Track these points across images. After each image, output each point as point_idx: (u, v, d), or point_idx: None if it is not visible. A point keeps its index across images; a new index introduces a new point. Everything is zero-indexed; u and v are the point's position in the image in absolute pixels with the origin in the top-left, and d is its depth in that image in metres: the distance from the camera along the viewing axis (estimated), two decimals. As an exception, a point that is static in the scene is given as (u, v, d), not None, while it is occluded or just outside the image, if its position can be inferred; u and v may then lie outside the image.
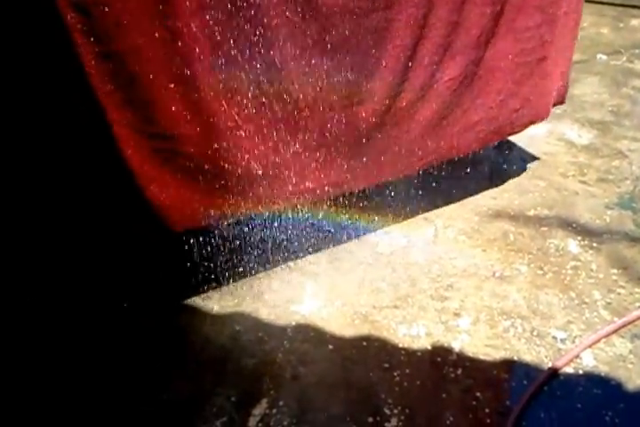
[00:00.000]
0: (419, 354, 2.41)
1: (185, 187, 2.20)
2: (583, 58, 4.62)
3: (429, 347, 2.43)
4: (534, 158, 3.52)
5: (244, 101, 2.10)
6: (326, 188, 2.53)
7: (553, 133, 3.71)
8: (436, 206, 3.18)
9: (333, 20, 2.11)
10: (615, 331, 2.49)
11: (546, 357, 2.37)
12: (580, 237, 2.94)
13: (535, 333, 2.47)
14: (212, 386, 2.28)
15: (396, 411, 2.20)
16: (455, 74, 2.51)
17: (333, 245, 2.91)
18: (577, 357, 2.38)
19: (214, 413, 2.19)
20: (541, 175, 3.39)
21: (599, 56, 4.68)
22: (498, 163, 3.51)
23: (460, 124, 2.69)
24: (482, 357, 2.38)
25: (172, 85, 1.93)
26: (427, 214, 3.14)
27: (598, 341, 2.46)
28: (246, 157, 2.21)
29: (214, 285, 2.64)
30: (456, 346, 2.43)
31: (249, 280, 2.72)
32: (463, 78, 2.55)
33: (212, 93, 2.01)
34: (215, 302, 2.62)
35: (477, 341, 2.45)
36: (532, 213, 3.12)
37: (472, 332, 2.49)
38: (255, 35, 2.00)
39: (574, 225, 3.01)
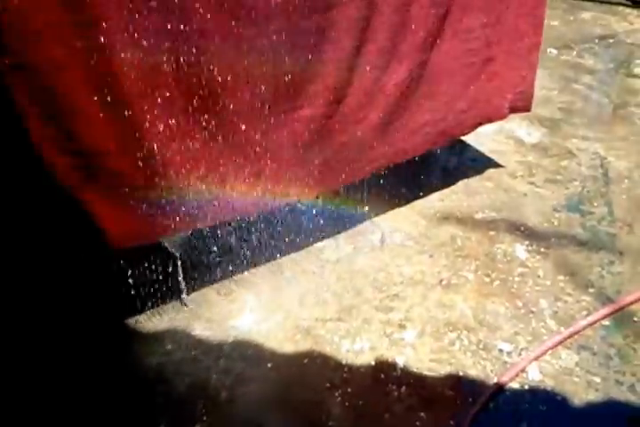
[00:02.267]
0: (362, 371, 2.32)
1: (114, 205, 2.05)
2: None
3: (373, 362, 2.35)
4: (483, 157, 3.45)
5: (175, 115, 1.96)
6: (272, 199, 2.41)
7: (502, 131, 3.64)
8: (384, 210, 3.08)
9: (269, 23, 1.97)
10: (561, 342, 2.44)
11: (492, 371, 2.31)
12: (527, 242, 2.88)
13: (481, 345, 2.40)
14: (139, 412, 2.14)
15: (337, 433, 2.10)
16: (402, 77, 2.41)
17: (276, 254, 2.79)
18: (522, 371, 2.32)
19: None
20: (490, 176, 3.32)
21: (549, 50, 4.62)
22: (446, 162, 3.43)
23: (408, 127, 2.60)
24: (426, 372, 2.31)
25: (95, 98, 1.77)
26: (374, 218, 3.03)
27: (544, 353, 2.41)
28: (179, 173, 2.08)
29: (146, 301, 2.49)
30: (400, 361, 2.34)
31: (184, 294, 2.56)
32: (410, 81, 2.45)
33: (138, 108, 1.85)
34: (147, 319, 2.48)
35: (422, 355, 2.37)
36: (479, 215, 3.04)
37: (417, 345, 2.41)
38: (186, 41, 1.85)
39: (522, 229, 2.95)
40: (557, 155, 3.47)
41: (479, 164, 3.40)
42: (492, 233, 2.93)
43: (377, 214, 3.05)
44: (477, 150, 3.48)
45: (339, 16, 2.05)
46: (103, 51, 1.68)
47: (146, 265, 2.47)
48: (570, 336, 2.46)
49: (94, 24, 1.62)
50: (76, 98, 1.73)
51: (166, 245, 2.42)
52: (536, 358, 2.38)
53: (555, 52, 4.63)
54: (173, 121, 1.96)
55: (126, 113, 1.82)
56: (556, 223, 2.99)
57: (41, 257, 2.26)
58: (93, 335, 2.40)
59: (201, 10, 1.80)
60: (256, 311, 2.55)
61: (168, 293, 2.54)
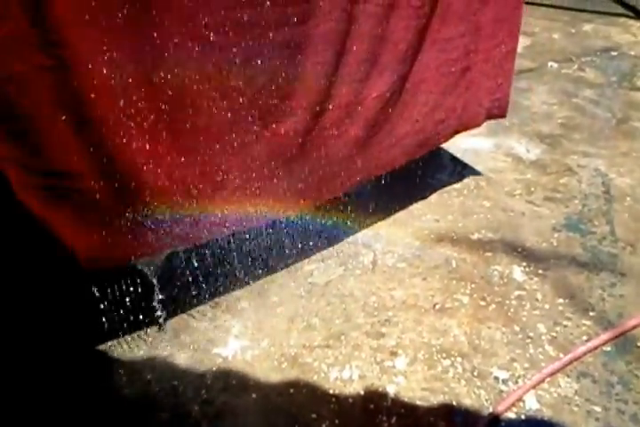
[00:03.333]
0: (350, 401, 2.21)
1: (83, 225, 1.96)
2: (533, 66, 4.48)
3: (362, 392, 2.24)
4: (480, 176, 3.35)
5: (147, 134, 1.88)
6: (253, 216, 2.32)
7: (500, 148, 3.55)
8: (377, 229, 2.99)
9: (243, 36, 1.89)
10: (560, 369, 2.33)
11: (487, 400, 2.19)
12: (525, 263, 2.77)
13: (476, 373, 2.29)
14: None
15: (322, 469, 1.99)
16: (382, 90, 2.34)
17: (262, 277, 2.69)
18: (519, 400, 2.20)
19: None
20: (487, 195, 3.22)
21: (550, 64, 4.54)
22: (441, 181, 3.33)
23: (388, 139, 2.54)
24: (418, 402, 2.19)
25: (64, 118, 1.69)
26: (366, 239, 2.94)
27: (542, 381, 2.29)
28: (154, 193, 1.99)
29: (125, 328, 2.39)
30: (391, 390, 2.23)
31: (167, 319, 2.47)
32: (391, 94, 2.39)
33: (110, 125, 1.77)
34: (126, 348, 2.37)
35: (414, 383, 2.26)
36: (475, 236, 2.94)
37: (409, 373, 2.29)
38: (157, 57, 1.77)
39: (520, 249, 2.85)
40: (557, 172, 3.37)
41: (476, 182, 3.31)
42: (488, 254, 2.83)
43: (369, 235, 2.95)
44: (474, 169, 3.39)
45: (316, 29, 1.97)
46: (69, 69, 1.59)
47: (123, 289, 2.37)
48: (569, 363, 2.35)
49: (61, 42, 1.54)
50: (42, 116, 1.64)
51: (141, 268, 2.30)
52: (533, 387, 2.27)
53: (555, 65, 4.55)
54: (146, 140, 1.87)
55: (95, 133, 1.74)
56: (555, 243, 2.88)
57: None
58: (66, 365, 2.30)
59: (170, 24, 1.73)
60: (241, 338, 2.45)
61: (147, 318, 2.44)
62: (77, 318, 2.41)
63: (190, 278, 2.60)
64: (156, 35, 1.72)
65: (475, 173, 3.38)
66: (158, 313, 2.44)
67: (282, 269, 2.77)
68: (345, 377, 2.30)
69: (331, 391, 2.25)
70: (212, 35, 1.83)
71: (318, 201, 2.54)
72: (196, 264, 2.61)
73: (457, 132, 2.88)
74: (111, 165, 1.85)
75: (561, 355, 2.36)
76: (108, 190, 1.89)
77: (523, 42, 3.23)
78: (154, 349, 2.41)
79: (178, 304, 2.53)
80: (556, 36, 5.11)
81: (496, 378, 2.28)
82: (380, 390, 2.25)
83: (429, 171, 3.28)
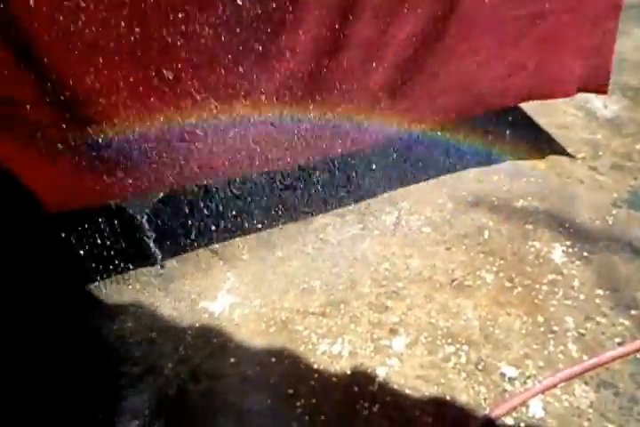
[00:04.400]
0: (333, 380, 2.01)
1: (38, 162, 1.76)
2: (635, 2, 3.84)
3: (349, 371, 2.03)
4: (542, 132, 2.93)
5: (109, 56, 1.61)
6: (255, 162, 2.07)
7: (573, 99, 3.06)
8: (406, 184, 2.67)
9: None
10: (579, 374, 2.03)
11: (485, 399, 1.95)
12: (569, 243, 2.41)
13: (481, 366, 2.03)
14: (78, 396, 1.93)
15: (285, 453, 1.82)
16: (414, 30, 1.97)
17: (272, 227, 2.46)
18: (523, 404, 1.93)
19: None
20: (544, 154, 2.82)
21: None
22: (494, 133, 2.92)
23: (426, 90, 2.18)
24: (408, 391, 1.97)
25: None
26: (393, 194, 2.64)
27: (555, 386, 2.01)
28: (116, 126, 1.75)
29: (117, 269, 2.25)
30: (381, 373, 2.01)
31: (159, 264, 2.30)
32: (426, 36, 2.00)
33: (59, 53, 1.52)
34: (114, 290, 2.24)
35: (408, 369, 2.03)
36: (519, 204, 2.59)
37: (405, 356, 2.06)
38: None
39: (567, 225, 2.48)
40: (634, 135, 2.91)
41: (535, 139, 2.90)
42: (528, 227, 2.48)
43: (398, 192, 2.64)
44: (537, 122, 2.96)
45: None
46: None
47: (116, 230, 2.20)
48: (592, 368, 2.04)
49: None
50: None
51: (130, 209, 2.11)
52: (543, 391, 1.99)
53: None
54: (111, 71, 1.61)
55: (36, 57, 1.49)
56: (610, 222, 2.49)
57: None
58: (54, 303, 2.18)
59: None
60: (233, 293, 2.27)
61: (140, 262, 2.27)
62: (69, 258, 2.26)
63: (191, 221, 2.40)
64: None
65: (536, 126, 2.97)
66: (151, 256, 2.26)
67: (294, 220, 2.53)
68: (334, 352, 2.09)
69: (315, 366, 2.05)
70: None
71: (336, 152, 2.24)
72: (201, 205, 2.39)
73: (533, 96, 2.47)
74: (57, 90, 1.60)
75: (584, 357, 2.04)
76: (55, 119, 1.66)
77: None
78: (140, 294, 2.27)
79: (173, 248, 2.35)
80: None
81: (502, 375, 2.02)
82: (369, 371, 2.04)
83: (480, 118, 2.86)
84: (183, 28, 1.63)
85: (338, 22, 1.80)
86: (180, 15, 1.60)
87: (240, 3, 1.62)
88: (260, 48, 1.74)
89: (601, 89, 2.50)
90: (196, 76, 1.74)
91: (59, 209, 1.88)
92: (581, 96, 3.02)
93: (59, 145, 1.70)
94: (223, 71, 1.73)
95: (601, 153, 2.83)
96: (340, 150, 2.22)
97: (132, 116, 1.75)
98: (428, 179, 2.70)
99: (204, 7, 1.58)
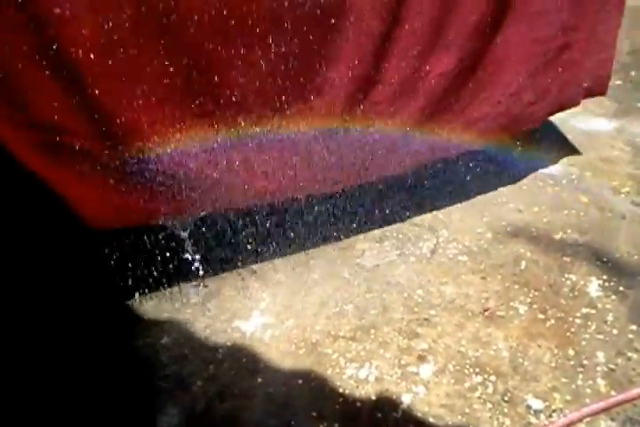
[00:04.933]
0: (358, 405, 2.05)
1: (83, 184, 1.89)
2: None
3: (374, 397, 2.07)
4: (587, 164, 2.92)
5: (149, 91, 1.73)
6: (284, 192, 2.16)
7: (622, 134, 3.07)
8: (448, 213, 2.70)
9: None
10: (607, 409, 2.00)
11: (509, 432, 1.94)
12: (606, 277, 2.40)
13: (507, 397, 2.04)
14: (105, 406, 2.02)
15: (303, 473, 1.87)
16: (449, 66, 2.06)
17: (310, 249, 2.53)
18: (547, 438, 1.93)
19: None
20: (588, 188, 2.81)
21: None
22: (539, 165, 2.93)
23: (460, 120, 2.23)
24: (432, 419, 1.99)
25: (47, 73, 1.58)
26: (433, 222, 2.67)
27: (580, 420, 1.98)
28: (157, 152, 1.86)
29: (160, 287, 2.34)
30: (406, 400, 2.04)
31: (198, 282, 2.40)
32: (460, 71, 2.09)
33: (101, 82, 1.65)
34: (152, 307, 2.34)
35: (434, 397, 2.05)
36: (559, 236, 2.59)
37: (432, 384, 2.09)
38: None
39: (605, 259, 2.47)
40: (682, 170, 2.86)
41: (580, 172, 2.89)
42: (566, 259, 2.48)
43: (438, 218, 2.68)
44: (583, 155, 2.95)
45: None
46: (49, 20, 1.46)
47: (161, 249, 2.32)
48: (619, 404, 1.99)
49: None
50: (25, 72, 1.55)
51: (172, 228, 2.22)
52: (568, 425, 1.97)
53: None
54: (152, 98, 1.73)
55: (81, 86, 1.62)
56: (650, 258, 2.47)
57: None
58: (95, 317, 2.29)
59: None
60: (266, 314, 2.35)
61: (181, 280, 2.38)
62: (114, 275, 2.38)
63: (232, 241, 2.49)
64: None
65: (582, 159, 2.95)
66: (193, 275, 2.36)
67: (332, 243, 2.59)
68: (361, 376, 2.13)
69: (340, 390, 2.10)
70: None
71: (366, 179, 2.32)
72: (242, 225, 2.49)
73: (551, 114, 2.54)
74: (101, 119, 1.73)
75: (613, 392, 2.03)
76: (99, 146, 1.79)
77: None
78: (177, 312, 2.36)
79: (214, 266, 2.43)
80: None
81: (528, 407, 2.02)
82: (395, 397, 2.07)
83: (528, 150, 2.90)
84: (228, 61, 1.74)
85: (375, 60, 1.88)
86: (223, 52, 1.70)
87: (284, 40, 1.72)
88: (303, 80, 1.83)
89: (601, 92, 2.66)
90: (238, 105, 1.84)
91: (103, 226, 2.00)
92: (631, 131, 3.02)
93: (103, 169, 1.82)
94: (266, 101, 1.83)
95: (646, 188, 2.80)
96: (377, 175, 2.30)
97: (174, 142, 1.86)
98: (469, 208, 2.72)
99: (248, 44, 1.68)
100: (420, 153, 2.31)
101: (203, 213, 2.20)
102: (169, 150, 1.85)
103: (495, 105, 2.25)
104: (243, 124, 1.89)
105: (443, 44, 1.96)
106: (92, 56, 1.57)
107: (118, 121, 1.70)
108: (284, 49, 1.73)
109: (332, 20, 1.74)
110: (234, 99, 1.83)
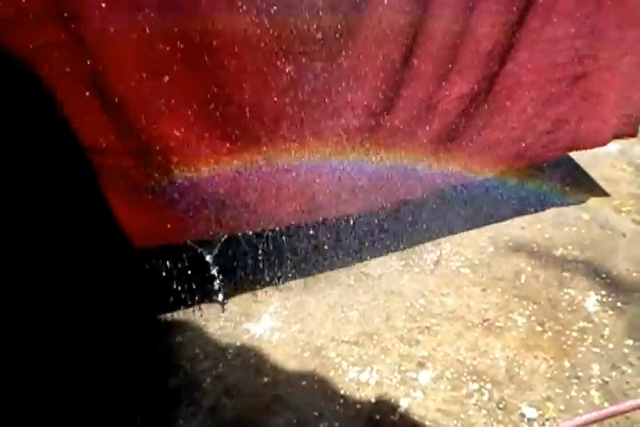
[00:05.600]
0: (357, 407, 2.13)
1: (130, 203, 1.99)
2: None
3: (373, 399, 2.15)
4: (590, 183, 3.00)
5: (187, 117, 1.84)
6: (306, 213, 2.25)
7: (625, 154, 3.15)
8: (453, 227, 2.79)
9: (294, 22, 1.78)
10: (598, 420, 2.06)
11: (502, 438, 2.01)
12: (604, 292, 2.47)
13: (502, 405, 2.11)
14: (117, 398, 2.11)
15: (300, 472, 1.95)
16: (464, 91, 2.13)
17: (319, 259, 2.63)
18: (539, 446, 2.00)
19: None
20: (589, 206, 2.89)
21: None
22: (543, 183, 3.01)
23: (474, 145, 2.30)
24: (428, 423, 2.07)
25: (88, 93, 1.69)
26: (437, 235, 2.78)
27: (573, 430, 2.05)
28: (196, 176, 1.97)
29: (179, 292, 2.45)
30: (404, 404, 2.12)
31: (216, 288, 2.50)
32: (475, 95, 2.16)
33: (139, 105, 1.75)
34: (172, 310, 2.45)
35: (431, 402, 2.13)
36: (559, 252, 2.66)
37: (429, 390, 2.16)
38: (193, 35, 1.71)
39: (604, 275, 2.54)
40: (684, 192, 2.94)
41: (582, 190, 2.96)
42: (565, 274, 2.56)
43: (442, 232, 2.77)
44: (586, 174, 3.04)
45: (373, 18, 1.80)
46: (89, 44, 1.57)
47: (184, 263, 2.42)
48: (612, 416, 2.06)
49: (76, 16, 1.52)
50: (66, 91, 1.65)
51: (195, 245, 2.33)
52: (560, 434, 2.04)
53: None
54: (186, 123, 1.84)
55: (117, 108, 1.72)
56: (649, 275, 2.54)
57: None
58: (122, 323, 2.39)
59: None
60: (275, 317, 2.44)
61: (204, 284, 2.48)
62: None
63: (249, 250, 2.60)
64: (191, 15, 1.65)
65: (585, 178, 3.03)
66: (211, 282, 2.48)
67: (341, 254, 2.69)
68: (362, 380, 2.21)
69: (342, 392, 2.18)
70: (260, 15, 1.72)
71: (383, 204, 2.40)
72: (256, 238, 2.59)
73: (574, 148, 2.57)
74: (141, 143, 1.83)
75: (606, 404, 2.09)
76: (141, 168, 1.89)
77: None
78: (193, 314, 2.46)
79: (229, 274, 2.54)
80: None
81: (522, 415, 2.09)
82: (393, 401, 2.14)
83: (533, 168, 2.99)
84: (253, 87, 1.84)
85: (391, 86, 1.98)
86: (250, 83, 1.81)
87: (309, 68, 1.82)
88: (324, 104, 1.93)
89: (631, 134, 2.63)
90: (263, 129, 1.94)
91: (146, 245, 2.10)
92: (634, 151, 3.10)
93: (141, 188, 1.92)
94: (290, 123, 1.93)
95: (647, 207, 2.88)
96: (396, 198, 2.38)
97: (205, 164, 1.97)
98: (473, 223, 2.81)
99: (273, 73, 1.79)
100: (433, 180, 2.38)
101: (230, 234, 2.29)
102: (199, 172, 1.95)
103: (509, 130, 2.31)
104: (266, 148, 1.99)
105: (457, 69, 2.05)
106: (128, 78, 1.67)
107: (152, 142, 1.81)
108: (305, 76, 1.83)
109: (349, 45, 1.83)
110: (259, 122, 1.93)
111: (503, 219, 2.84)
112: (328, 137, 2.06)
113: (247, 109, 1.87)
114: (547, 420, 2.06)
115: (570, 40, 2.16)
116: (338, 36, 1.80)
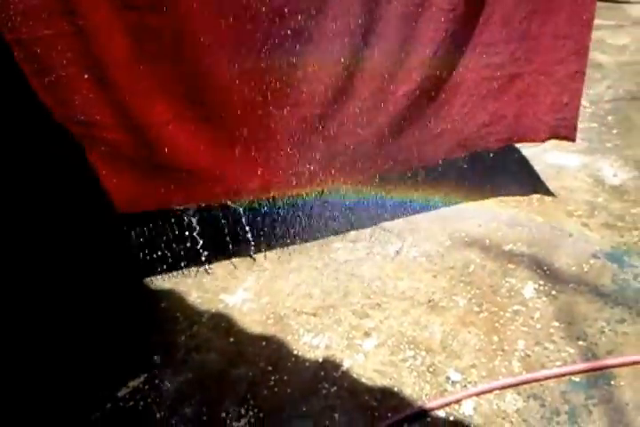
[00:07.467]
0: (306, 364, 2.46)
1: (115, 171, 2.41)
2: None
3: (321, 359, 2.48)
4: (549, 192, 3.31)
5: (167, 98, 2.27)
6: (271, 191, 2.64)
7: (586, 168, 3.45)
8: (417, 223, 3.14)
9: (264, 21, 2.19)
10: (514, 385, 2.37)
11: (426, 395, 2.32)
12: (542, 282, 2.76)
13: (431, 369, 2.42)
14: (103, 349, 2.51)
15: (250, 413, 2.29)
16: (411, 88, 2.51)
17: (292, 245, 3.00)
18: (457, 402, 2.30)
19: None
20: (544, 210, 3.19)
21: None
22: (506, 190, 3.34)
23: (422, 134, 2.69)
24: (364, 380, 2.39)
25: (86, 76, 2.13)
26: (403, 229, 3.12)
27: (490, 391, 2.36)
28: (172, 151, 2.38)
29: (165, 263, 2.89)
30: (346, 364, 2.45)
31: (198, 263, 2.91)
32: (421, 91, 2.55)
33: (127, 84, 2.19)
34: (159, 279, 2.85)
35: (370, 364, 2.45)
36: (508, 247, 2.97)
37: (370, 354, 2.49)
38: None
39: (545, 268, 2.83)
40: (634, 201, 3.21)
41: (541, 198, 3.28)
42: (510, 266, 2.86)
43: (408, 227, 3.11)
44: (547, 183, 3.35)
45: (331, 21, 2.20)
46: (90, 32, 2.01)
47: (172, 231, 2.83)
48: (526, 382, 2.38)
49: (77, 11, 1.96)
50: (66, 74, 2.09)
51: (184, 216, 2.74)
52: (478, 394, 2.35)
53: None
54: (166, 103, 2.26)
55: (114, 91, 2.15)
56: (585, 270, 2.82)
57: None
58: (112, 287, 2.80)
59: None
60: (248, 291, 2.80)
61: (186, 261, 2.89)
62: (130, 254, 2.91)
63: (230, 231, 2.98)
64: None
65: (545, 188, 3.34)
66: (195, 256, 2.89)
67: (312, 241, 3.05)
68: (314, 343, 2.55)
69: (295, 352, 2.52)
70: (236, 19, 2.15)
71: (347, 183, 2.78)
72: (243, 221, 2.98)
73: (511, 140, 2.92)
74: (131, 120, 2.26)
75: (523, 372, 2.38)
76: (130, 141, 2.32)
77: None
78: (179, 285, 2.85)
79: (212, 251, 2.96)
80: None
81: (447, 378, 2.39)
82: (337, 361, 2.47)
83: (499, 178, 3.32)
84: (224, 79, 2.28)
85: (347, 77, 2.38)
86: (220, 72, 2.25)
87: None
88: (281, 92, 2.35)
89: (569, 137, 2.94)
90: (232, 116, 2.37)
91: (128, 210, 2.51)
92: (595, 166, 3.40)
93: (130, 159, 2.35)
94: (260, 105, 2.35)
95: (596, 213, 3.16)
96: (344, 181, 2.76)
97: (185, 140, 2.39)
98: (435, 220, 3.14)
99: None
100: (385, 162, 2.75)
101: (212, 202, 2.69)
102: (181, 148, 2.38)
103: (453, 122, 2.68)
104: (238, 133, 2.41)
105: (405, 69, 2.44)
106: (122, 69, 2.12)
107: (142, 120, 2.24)
108: (271, 64, 2.25)
109: (305, 43, 2.24)
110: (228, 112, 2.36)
111: (463, 218, 3.16)
112: (286, 125, 2.45)
113: (219, 98, 2.29)
114: (469, 383, 2.36)
115: (504, 44, 2.54)
116: (296, 35, 2.21)
